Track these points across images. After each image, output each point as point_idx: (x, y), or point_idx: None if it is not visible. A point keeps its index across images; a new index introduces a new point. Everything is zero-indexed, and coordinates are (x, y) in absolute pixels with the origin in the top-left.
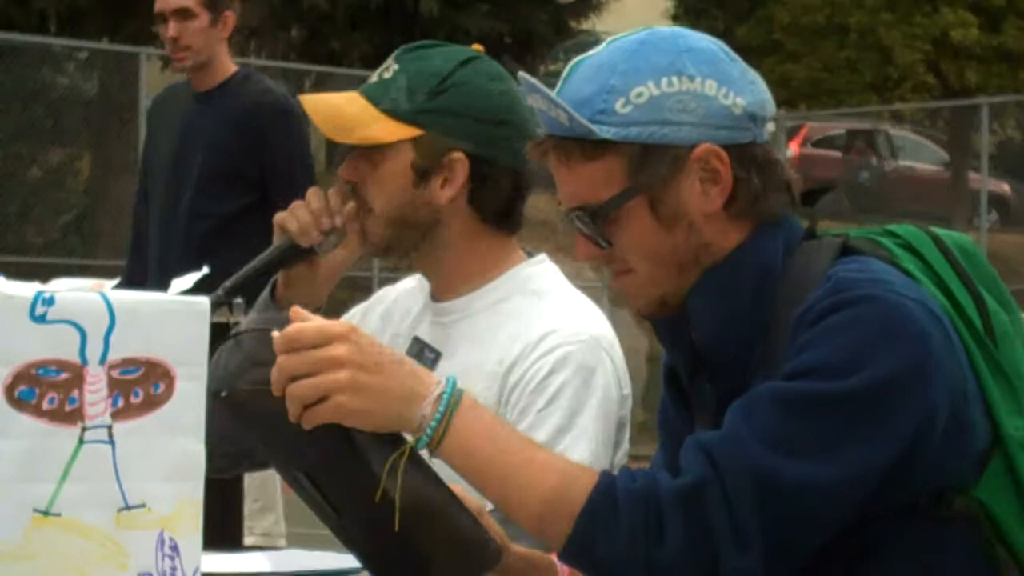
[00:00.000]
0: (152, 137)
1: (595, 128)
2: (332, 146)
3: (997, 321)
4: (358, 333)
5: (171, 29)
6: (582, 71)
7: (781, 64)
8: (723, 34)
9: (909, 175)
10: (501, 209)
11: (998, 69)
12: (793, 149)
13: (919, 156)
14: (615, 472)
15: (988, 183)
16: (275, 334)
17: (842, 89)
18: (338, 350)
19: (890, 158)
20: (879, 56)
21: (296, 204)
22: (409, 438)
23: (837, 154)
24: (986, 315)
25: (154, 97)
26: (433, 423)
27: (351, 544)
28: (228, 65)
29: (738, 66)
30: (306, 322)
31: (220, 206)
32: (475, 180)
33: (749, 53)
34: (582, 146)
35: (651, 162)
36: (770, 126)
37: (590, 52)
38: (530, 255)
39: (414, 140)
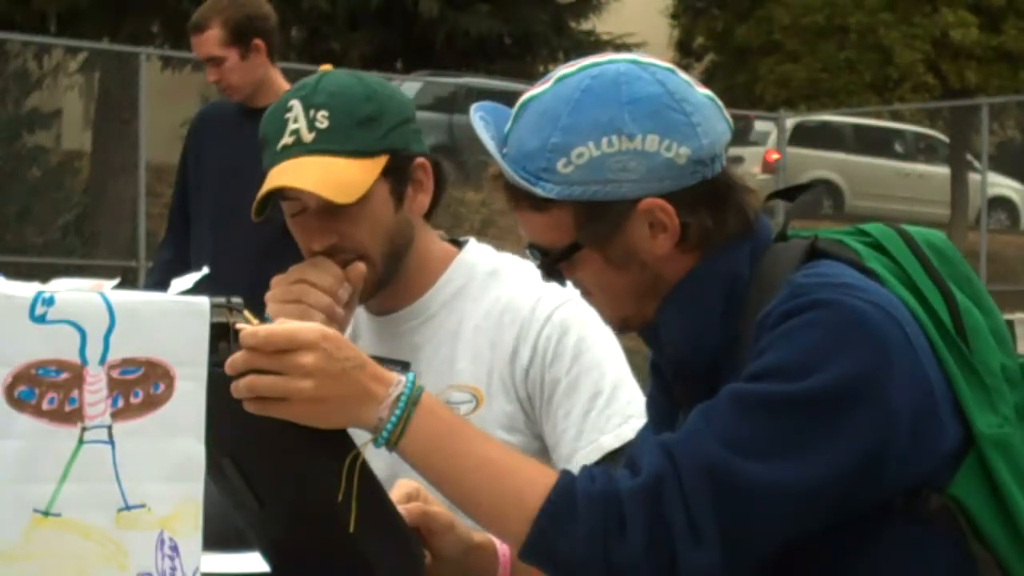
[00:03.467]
0: (198, 149)
1: (537, 189)
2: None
3: (968, 318)
4: (328, 339)
5: (209, 75)
6: (529, 116)
7: (781, 64)
8: (723, 34)
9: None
10: (435, 201)
11: (998, 69)
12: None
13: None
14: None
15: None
16: (244, 329)
17: (842, 89)
18: (306, 359)
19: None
20: (879, 56)
21: (299, 292)
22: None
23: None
24: (956, 312)
25: (198, 111)
26: (390, 425)
27: (266, 537)
28: (281, 84)
29: (684, 109)
30: (281, 325)
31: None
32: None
33: (749, 53)
34: (529, 198)
35: (595, 218)
36: (768, 128)
37: (538, 89)
38: (454, 242)
39: (385, 167)
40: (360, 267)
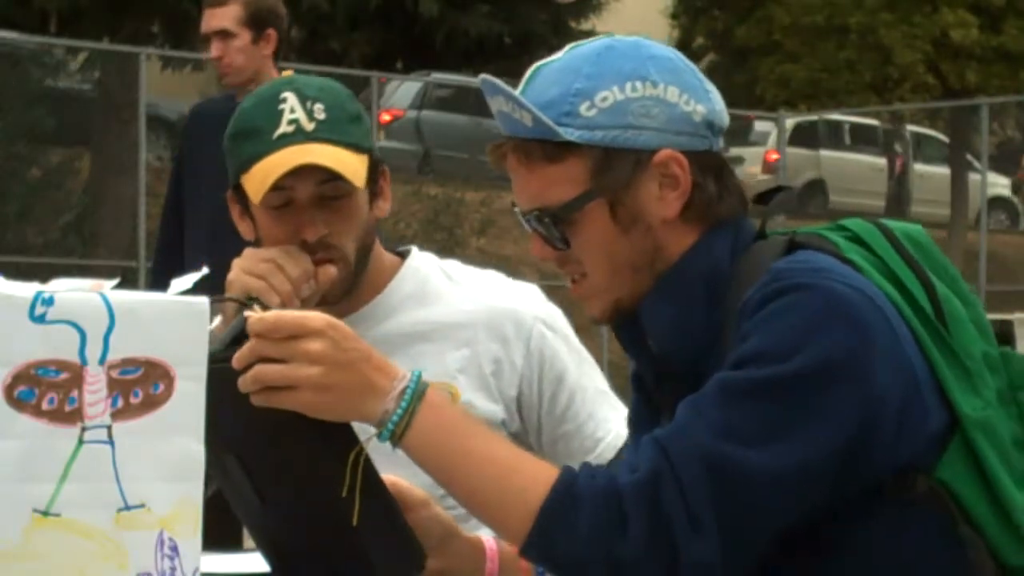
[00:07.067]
0: (193, 148)
1: (560, 130)
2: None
3: (948, 306)
4: (335, 328)
5: (214, 49)
6: (545, 75)
7: (781, 64)
8: (723, 34)
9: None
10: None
11: (998, 69)
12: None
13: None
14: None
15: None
16: (252, 316)
17: (842, 89)
18: (314, 345)
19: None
20: (879, 56)
21: (267, 270)
22: (368, 429)
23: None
24: (936, 300)
25: (191, 108)
26: (395, 418)
27: (266, 537)
28: None
29: (696, 75)
30: (289, 313)
31: None
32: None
33: (749, 53)
34: (544, 148)
35: (613, 165)
36: (768, 128)
37: (552, 57)
38: (397, 252)
39: (367, 165)
40: (331, 271)
